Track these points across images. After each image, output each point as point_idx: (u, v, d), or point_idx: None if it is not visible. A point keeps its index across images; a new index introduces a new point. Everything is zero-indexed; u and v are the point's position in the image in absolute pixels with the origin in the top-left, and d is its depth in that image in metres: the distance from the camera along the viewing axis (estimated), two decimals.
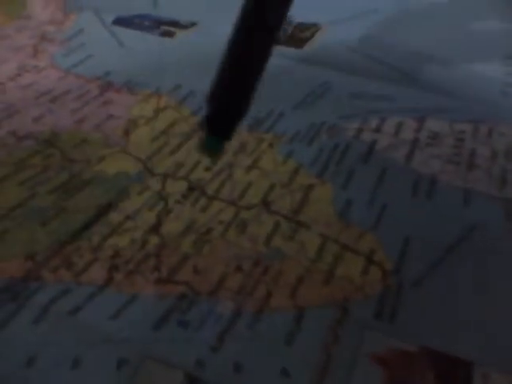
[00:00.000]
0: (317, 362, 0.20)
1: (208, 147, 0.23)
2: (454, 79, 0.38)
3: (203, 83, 0.38)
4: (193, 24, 0.44)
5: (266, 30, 0.21)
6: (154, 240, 0.25)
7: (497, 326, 0.22)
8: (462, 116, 0.34)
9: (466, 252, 0.25)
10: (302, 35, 0.43)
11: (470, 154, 0.31)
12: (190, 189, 0.28)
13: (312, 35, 0.43)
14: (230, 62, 0.22)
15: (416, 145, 0.32)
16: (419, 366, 0.21)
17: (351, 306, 0.22)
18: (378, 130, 0.33)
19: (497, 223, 0.27)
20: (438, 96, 0.36)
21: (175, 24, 0.44)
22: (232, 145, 0.31)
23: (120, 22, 0.44)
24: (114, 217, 0.26)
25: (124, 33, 0.42)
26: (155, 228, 0.25)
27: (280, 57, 0.39)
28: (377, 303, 0.23)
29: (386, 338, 0.21)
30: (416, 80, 0.38)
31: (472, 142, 0.32)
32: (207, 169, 0.29)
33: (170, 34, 0.42)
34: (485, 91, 0.37)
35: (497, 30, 0.44)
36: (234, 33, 0.22)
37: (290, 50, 0.41)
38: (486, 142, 0.32)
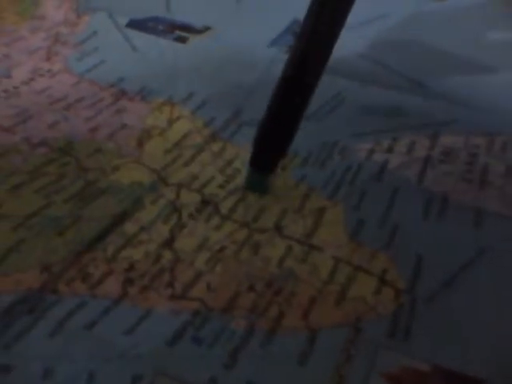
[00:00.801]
0: (329, 382, 0.21)
1: (255, 183, 0.28)
2: (468, 88, 0.38)
3: (216, 90, 0.38)
4: (207, 28, 0.44)
5: (306, 87, 0.27)
6: (167, 255, 0.25)
7: (510, 344, 0.22)
8: (477, 127, 0.34)
9: (478, 271, 0.25)
10: None
11: (483, 170, 0.31)
12: (204, 202, 0.28)
13: None
14: (275, 112, 0.27)
15: (428, 162, 0.32)
16: None
17: (364, 326, 0.23)
18: (390, 150, 0.33)
19: (509, 243, 0.27)
20: (452, 106, 0.36)
21: (189, 28, 0.44)
22: (245, 166, 0.30)
23: (134, 24, 0.44)
24: (129, 227, 0.26)
25: (137, 36, 0.42)
26: (169, 242, 0.26)
27: None
28: (390, 322, 0.23)
29: (399, 356, 0.22)
30: (429, 89, 0.38)
31: (486, 156, 0.32)
32: (221, 186, 0.29)
33: (183, 40, 0.42)
34: (501, 101, 0.37)
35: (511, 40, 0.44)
36: (277, 86, 0.27)
37: None
38: (500, 156, 0.32)
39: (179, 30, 0.43)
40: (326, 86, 0.38)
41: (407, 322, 0.23)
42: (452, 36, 0.44)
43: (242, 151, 0.31)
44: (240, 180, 0.29)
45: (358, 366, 0.21)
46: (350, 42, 0.43)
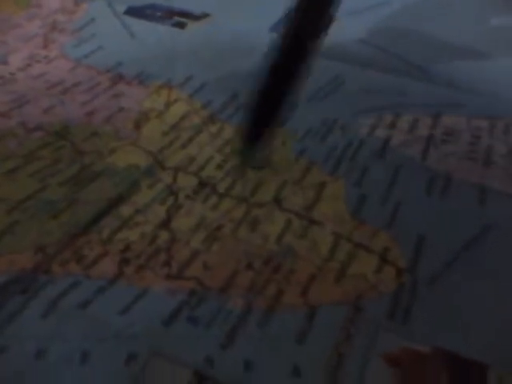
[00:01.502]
0: (328, 361, 0.20)
1: (244, 153, 0.27)
2: (470, 73, 0.37)
3: (214, 75, 0.37)
4: (206, 15, 0.43)
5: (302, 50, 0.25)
6: (164, 235, 0.24)
7: None
8: (479, 111, 0.34)
9: (481, 251, 0.25)
10: None
11: (487, 150, 0.31)
12: (201, 184, 0.27)
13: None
14: (267, 85, 0.25)
15: (431, 142, 0.31)
16: (433, 367, 0.20)
17: (364, 305, 0.22)
18: (392, 125, 0.32)
19: None
20: (453, 90, 0.35)
21: (187, 15, 0.43)
22: None
23: (132, 12, 0.43)
24: (125, 210, 0.26)
25: (135, 23, 0.42)
26: (165, 223, 0.25)
27: None
28: (391, 302, 0.22)
29: (399, 337, 0.21)
30: (430, 73, 0.37)
31: (489, 138, 0.32)
32: (219, 166, 0.28)
33: (181, 25, 0.42)
34: (503, 86, 0.36)
35: None
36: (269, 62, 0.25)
37: None
38: (503, 138, 0.32)
39: (178, 16, 0.43)
40: (327, 70, 0.37)
41: (408, 302, 0.22)
42: (452, 23, 0.44)
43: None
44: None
45: (357, 345, 0.21)
46: (350, 28, 0.42)
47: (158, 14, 0.43)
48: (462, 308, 0.22)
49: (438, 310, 0.22)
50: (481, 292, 0.23)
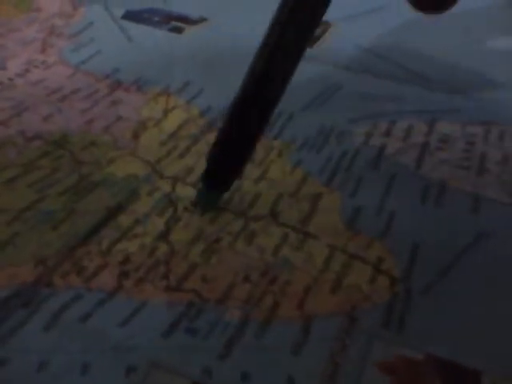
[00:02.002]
0: (324, 371, 0.21)
1: (205, 201, 0.26)
2: (467, 79, 0.37)
3: (212, 80, 0.37)
4: (203, 19, 0.43)
5: (265, 104, 0.24)
6: (163, 247, 0.25)
7: (507, 334, 0.22)
8: (474, 117, 0.34)
9: (475, 259, 0.25)
10: None
11: (481, 158, 0.31)
12: None
13: (322, 33, 0.42)
14: (231, 126, 0.25)
15: (426, 149, 0.32)
16: (427, 374, 0.21)
17: (359, 315, 0.22)
18: (387, 133, 0.32)
19: (507, 230, 0.27)
20: (450, 96, 0.36)
21: (185, 19, 0.43)
22: None
23: (129, 16, 0.43)
24: (124, 220, 0.26)
25: (133, 28, 0.42)
26: (164, 235, 0.25)
27: None
28: (385, 312, 0.23)
29: (394, 346, 0.21)
30: (427, 79, 0.37)
31: (483, 145, 0.32)
32: None
33: (178, 30, 0.42)
34: (497, 91, 0.36)
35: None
36: (234, 100, 0.25)
37: None
38: (498, 145, 0.32)
39: (175, 21, 0.43)
40: (324, 76, 0.37)
41: (402, 311, 0.23)
42: (450, 33, 0.43)
43: None
44: None
45: (352, 355, 0.21)
46: (347, 33, 0.42)
47: (156, 18, 0.43)
48: (456, 316, 0.23)
49: (432, 319, 0.23)
50: (475, 300, 0.23)
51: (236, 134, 0.25)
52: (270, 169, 0.29)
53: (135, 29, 0.42)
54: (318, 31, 0.43)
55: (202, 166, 0.29)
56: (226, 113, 0.25)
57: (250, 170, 0.29)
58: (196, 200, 0.27)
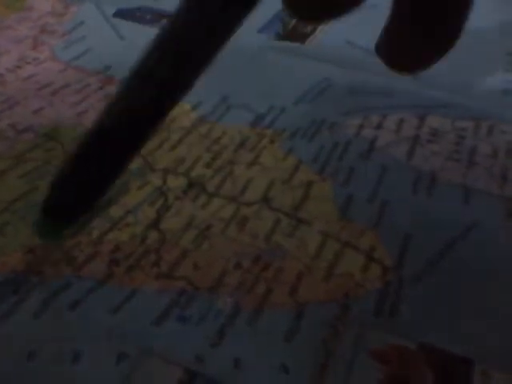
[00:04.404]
0: (316, 358, 0.21)
1: (46, 230, 0.22)
2: (455, 75, 0.38)
3: (203, 76, 0.37)
4: None
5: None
6: (154, 235, 0.25)
7: (498, 323, 0.22)
8: (464, 113, 0.34)
9: (465, 249, 0.25)
10: (303, 30, 0.43)
11: (471, 151, 0.31)
12: (190, 185, 0.28)
13: (313, 30, 0.43)
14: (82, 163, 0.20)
15: (417, 141, 0.32)
16: (418, 362, 0.21)
17: (351, 303, 0.22)
18: (379, 126, 0.33)
19: (497, 221, 0.27)
20: (439, 92, 0.36)
21: None
22: (233, 141, 0.31)
23: (121, 14, 0.43)
24: (115, 211, 0.26)
25: (124, 26, 0.42)
26: (155, 223, 0.25)
27: (281, 52, 0.39)
28: (377, 300, 0.23)
29: (386, 334, 0.21)
30: (417, 75, 0.38)
31: (473, 139, 0.32)
32: (208, 164, 0.29)
33: None
34: (486, 89, 0.37)
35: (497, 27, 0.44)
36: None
37: (291, 45, 0.41)
38: (487, 139, 0.32)
39: (166, 19, 0.43)
40: (315, 72, 0.38)
41: (394, 299, 0.23)
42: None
43: (229, 130, 0.31)
44: (227, 155, 0.29)
45: (344, 342, 0.21)
46: (338, 30, 0.43)
47: (148, 16, 0.43)
48: (448, 305, 0.23)
49: (423, 307, 0.23)
50: (465, 289, 0.23)
51: (88, 168, 0.20)
52: (262, 154, 0.29)
53: (127, 27, 0.42)
54: (308, 28, 0.43)
55: (193, 155, 0.30)
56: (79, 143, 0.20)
57: (242, 155, 0.29)
58: (34, 228, 0.24)
